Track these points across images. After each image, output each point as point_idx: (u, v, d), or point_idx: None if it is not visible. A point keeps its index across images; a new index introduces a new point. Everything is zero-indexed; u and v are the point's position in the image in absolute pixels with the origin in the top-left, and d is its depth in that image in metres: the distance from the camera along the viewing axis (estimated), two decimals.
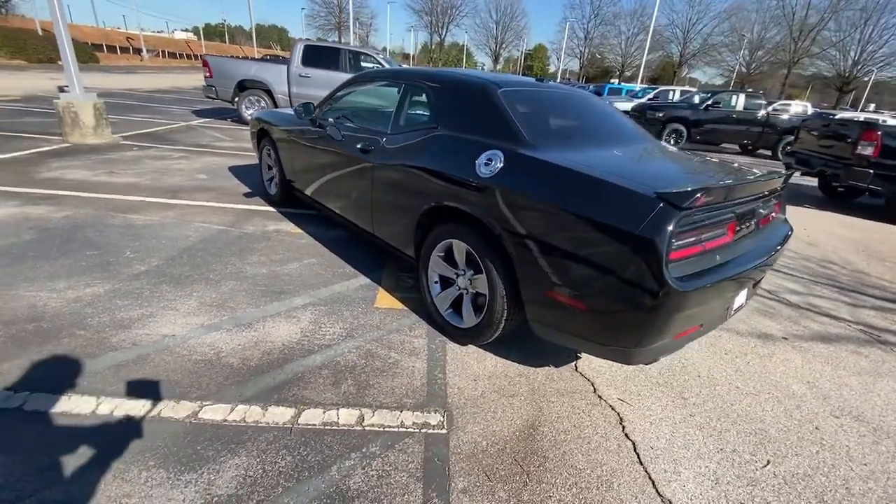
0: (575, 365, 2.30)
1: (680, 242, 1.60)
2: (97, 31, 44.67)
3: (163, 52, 50.14)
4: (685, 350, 2.53)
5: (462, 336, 2.34)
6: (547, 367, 2.25)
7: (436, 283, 2.48)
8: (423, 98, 2.65)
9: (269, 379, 1.98)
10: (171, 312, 2.41)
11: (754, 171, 2.33)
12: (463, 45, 77.71)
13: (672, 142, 12.28)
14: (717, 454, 1.80)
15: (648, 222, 1.55)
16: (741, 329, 2.84)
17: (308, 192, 3.66)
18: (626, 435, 1.86)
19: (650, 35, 25.75)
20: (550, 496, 1.54)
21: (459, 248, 2.26)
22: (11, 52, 25.18)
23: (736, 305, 2.08)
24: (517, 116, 2.20)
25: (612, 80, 39.33)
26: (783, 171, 2.26)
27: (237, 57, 10.82)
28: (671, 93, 16.09)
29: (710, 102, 12.10)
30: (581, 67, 64.98)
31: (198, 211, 4.01)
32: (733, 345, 2.65)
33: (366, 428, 1.76)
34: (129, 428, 1.65)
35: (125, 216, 3.71)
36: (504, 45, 78.94)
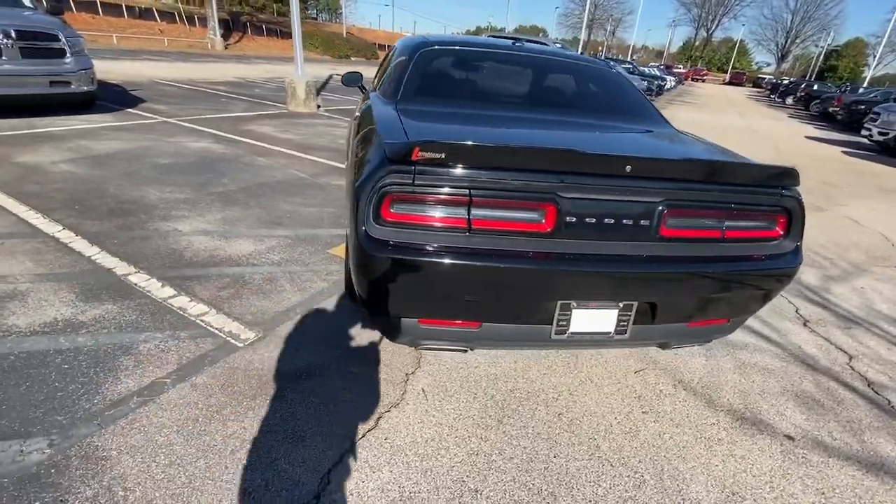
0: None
1: (406, 206, 1.36)
2: (386, 33, 55.95)
3: None
4: (579, 383, 1.96)
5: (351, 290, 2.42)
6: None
7: None
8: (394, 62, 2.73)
9: (190, 271, 2.54)
10: (197, 218, 3.25)
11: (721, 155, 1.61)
12: (736, 42, 65.52)
13: None
14: (449, 482, 1.46)
15: (369, 173, 1.38)
16: (723, 400, 1.97)
17: None
18: (378, 417, 1.68)
19: None
20: (226, 425, 1.59)
21: None
22: (323, 50, 34.17)
23: (583, 329, 1.55)
24: (415, 73, 2.10)
25: None
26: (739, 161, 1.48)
27: None
28: None
29: None
30: None
31: (303, 162, 4.99)
32: (678, 409, 1.89)
33: (196, 320, 2.11)
34: (88, 271, 2.45)
35: (254, 158, 4.96)
36: (799, 41, 63.26)
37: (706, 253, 1.55)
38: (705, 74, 60.93)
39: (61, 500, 1.27)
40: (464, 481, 1.47)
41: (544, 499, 1.44)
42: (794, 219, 1.63)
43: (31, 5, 6.05)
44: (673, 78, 30.96)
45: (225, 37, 28.33)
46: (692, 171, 1.48)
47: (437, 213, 1.38)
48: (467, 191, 1.36)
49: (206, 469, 1.41)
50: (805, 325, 2.68)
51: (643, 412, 1.86)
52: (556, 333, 1.54)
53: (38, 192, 3.39)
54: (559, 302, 1.49)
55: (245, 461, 1.45)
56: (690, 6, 67.44)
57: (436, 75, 2.23)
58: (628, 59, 41.89)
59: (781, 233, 1.64)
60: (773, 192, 1.55)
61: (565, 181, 1.39)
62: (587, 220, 1.44)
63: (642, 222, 1.47)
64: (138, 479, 1.36)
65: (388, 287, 1.42)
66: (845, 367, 2.31)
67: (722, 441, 1.75)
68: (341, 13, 63.08)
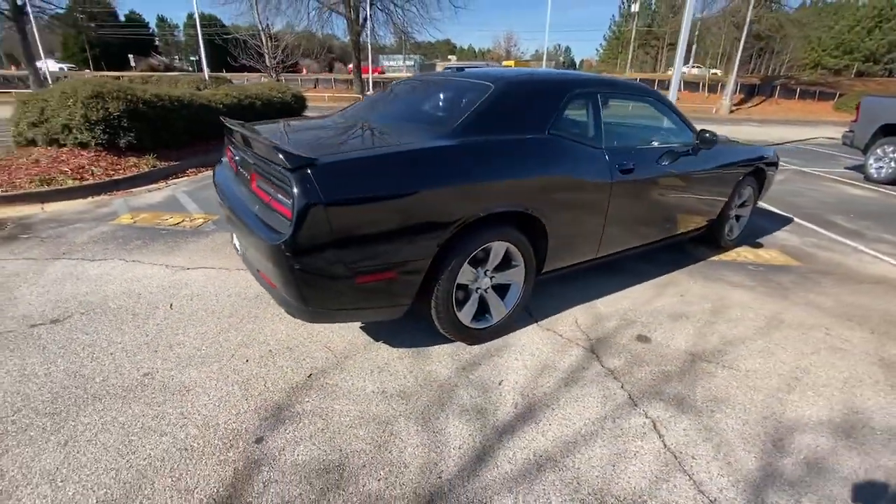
0: None
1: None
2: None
3: None
4: (313, 348, 2.22)
5: None
6: None
7: None
8: None
9: None
10: None
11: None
12: None
13: None
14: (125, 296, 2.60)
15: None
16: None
17: None
18: (185, 268, 2.98)
19: None
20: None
21: None
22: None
23: (237, 244, 2.26)
24: (374, 98, 3.00)
25: None
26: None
27: None
28: None
29: None
30: None
31: None
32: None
33: None
34: None
35: None
36: None
37: (262, 215, 1.81)
38: None
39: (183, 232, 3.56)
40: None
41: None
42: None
43: None
44: None
45: (744, 101, 27.90)
46: (245, 140, 1.91)
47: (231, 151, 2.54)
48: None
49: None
50: None
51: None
52: (233, 246, 2.34)
53: None
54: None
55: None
56: None
57: (369, 104, 2.94)
58: None
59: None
60: (284, 175, 1.60)
61: (231, 139, 2.23)
62: (241, 168, 2.17)
63: (247, 177, 2.02)
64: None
65: None
66: None
67: None
68: None
